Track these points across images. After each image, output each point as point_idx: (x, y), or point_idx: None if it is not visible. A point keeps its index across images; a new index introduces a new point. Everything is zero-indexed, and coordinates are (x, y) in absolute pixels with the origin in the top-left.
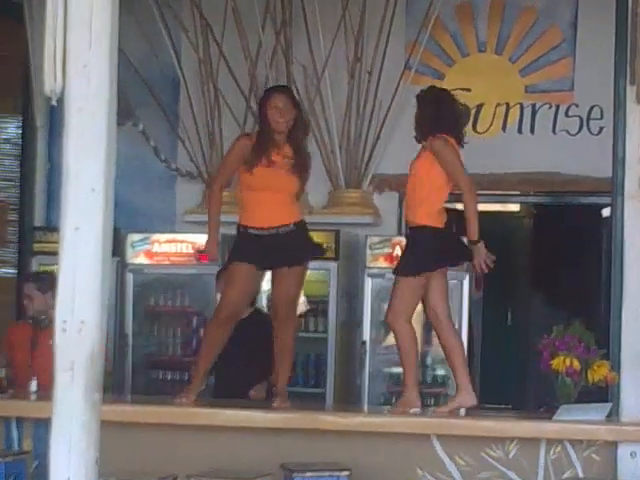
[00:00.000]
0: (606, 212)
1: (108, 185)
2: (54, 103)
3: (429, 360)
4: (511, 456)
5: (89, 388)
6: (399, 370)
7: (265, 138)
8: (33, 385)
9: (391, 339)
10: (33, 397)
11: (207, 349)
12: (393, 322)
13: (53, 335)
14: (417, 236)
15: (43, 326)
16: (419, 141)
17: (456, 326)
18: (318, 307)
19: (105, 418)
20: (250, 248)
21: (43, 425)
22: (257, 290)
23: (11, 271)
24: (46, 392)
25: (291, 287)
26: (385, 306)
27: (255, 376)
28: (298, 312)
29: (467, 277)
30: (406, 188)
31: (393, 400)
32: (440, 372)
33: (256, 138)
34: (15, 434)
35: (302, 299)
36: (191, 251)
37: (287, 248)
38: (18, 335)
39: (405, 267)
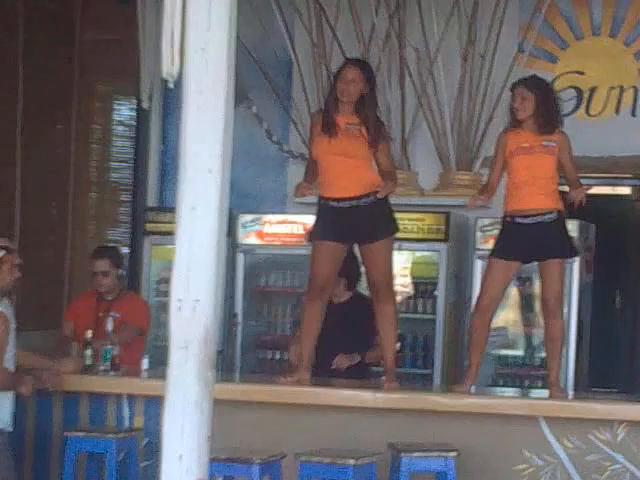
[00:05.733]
0: None
1: (225, 167)
2: (171, 86)
3: (536, 341)
4: (619, 439)
5: (202, 366)
6: (508, 352)
7: (329, 105)
8: (145, 363)
9: (499, 321)
10: (144, 375)
11: (303, 327)
12: (557, 309)
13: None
14: (564, 220)
15: (107, 300)
16: (545, 130)
17: (566, 308)
18: (427, 288)
19: (216, 396)
20: (329, 223)
21: (154, 403)
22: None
23: (124, 250)
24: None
25: (379, 263)
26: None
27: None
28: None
29: (578, 260)
30: (530, 171)
31: (501, 382)
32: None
33: (324, 108)
34: (126, 411)
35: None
36: (302, 232)
37: (365, 223)
38: (83, 306)
39: (573, 249)
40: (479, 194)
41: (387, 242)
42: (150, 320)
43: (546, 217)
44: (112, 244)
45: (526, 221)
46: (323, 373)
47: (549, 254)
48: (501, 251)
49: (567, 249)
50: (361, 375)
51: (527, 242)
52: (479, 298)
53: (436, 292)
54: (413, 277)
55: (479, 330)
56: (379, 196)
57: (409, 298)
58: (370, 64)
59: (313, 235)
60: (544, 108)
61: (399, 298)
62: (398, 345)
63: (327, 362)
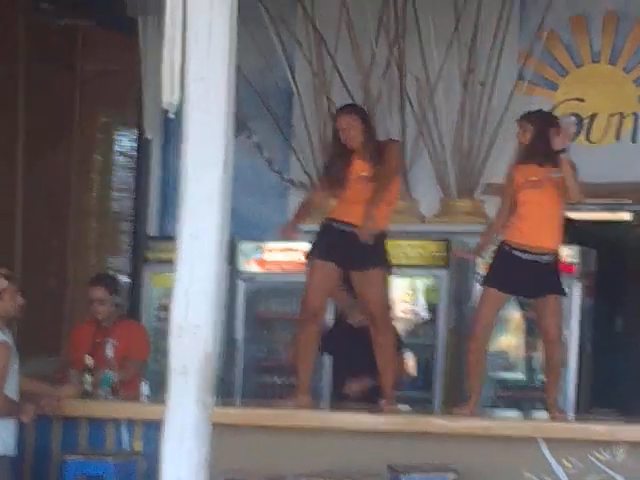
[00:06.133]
0: None
1: (225, 195)
2: (172, 116)
3: (536, 364)
4: (619, 460)
5: (202, 391)
6: (508, 375)
7: (338, 160)
8: (145, 388)
9: (500, 345)
10: (144, 399)
11: (298, 354)
12: (557, 336)
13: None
14: (558, 261)
15: (105, 327)
16: (546, 161)
17: (566, 332)
18: (428, 314)
19: (215, 420)
20: (330, 244)
21: (153, 427)
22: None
23: (125, 279)
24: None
25: (372, 291)
26: None
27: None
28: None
29: (578, 285)
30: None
31: (501, 405)
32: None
33: (330, 161)
34: (126, 436)
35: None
36: (302, 259)
37: (361, 250)
38: (82, 333)
39: (562, 287)
40: (481, 237)
41: (381, 272)
42: (150, 347)
43: (544, 258)
44: (111, 272)
45: (524, 257)
46: (343, 397)
47: (546, 291)
48: (496, 281)
49: (561, 289)
50: (378, 399)
51: (523, 277)
52: (473, 326)
53: (432, 316)
54: (414, 303)
55: (474, 356)
56: (361, 240)
57: (410, 324)
58: (359, 105)
59: (312, 253)
60: (542, 139)
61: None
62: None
63: (343, 384)
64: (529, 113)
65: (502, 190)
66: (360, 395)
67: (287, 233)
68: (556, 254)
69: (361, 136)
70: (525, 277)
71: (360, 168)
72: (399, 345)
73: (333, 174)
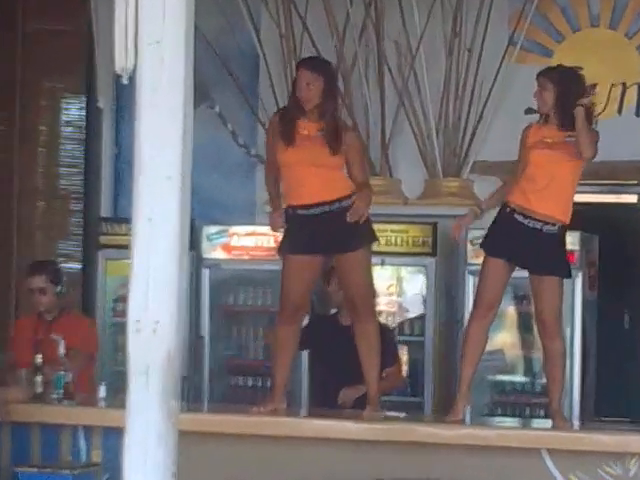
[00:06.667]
0: None
1: (185, 172)
2: (125, 82)
3: (536, 365)
4: (632, 474)
5: (165, 394)
6: (505, 378)
7: (291, 112)
8: (102, 390)
9: (495, 344)
10: (102, 404)
11: (276, 354)
12: (556, 334)
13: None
14: (563, 236)
15: (49, 321)
16: (568, 127)
17: (568, 330)
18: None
19: (181, 428)
20: (299, 234)
21: (114, 435)
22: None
23: (76, 266)
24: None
25: (356, 275)
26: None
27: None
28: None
29: (580, 275)
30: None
31: (498, 411)
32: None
33: (283, 113)
34: (83, 444)
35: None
36: (273, 244)
37: (338, 230)
38: (24, 327)
39: (567, 268)
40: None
41: (364, 252)
42: (98, 341)
43: (548, 228)
44: (52, 258)
45: (526, 222)
46: (334, 405)
47: (543, 270)
48: (497, 249)
49: (564, 269)
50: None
51: (523, 246)
52: (477, 301)
53: (419, 311)
54: (398, 295)
55: (476, 337)
56: (349, 220)
57: (394, 319)
58: (326, 61)
59: (282, 248)
60: (566, 101)
61: (384, 319)
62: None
63: (337, 393)
64: (550, 69)
65: (518, 153)
66: (356, 404)
67: (277, 225)
68: (563, 228)
69: (318, 98)
70: (525, 246)
71: (303, 126)
72: (394, 344)
73: (285, 126)
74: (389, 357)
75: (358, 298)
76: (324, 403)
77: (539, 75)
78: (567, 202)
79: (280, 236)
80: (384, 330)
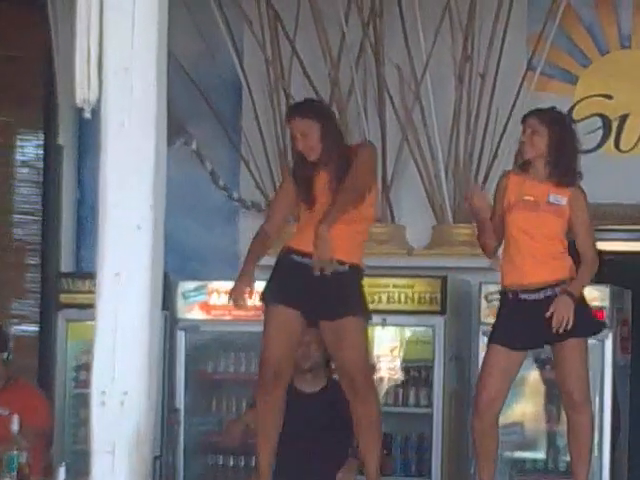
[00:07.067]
0: None
1: (157, 220)
2: (87, 115)
3: (560, 440)
4: None
5: (134, 477)
6: (525, 455)
7: (301, 170)
8: (61, 473)
9: (513, 415)
10: None
11: (260, 428)
12: (582, 405)
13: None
14: (580, 293)
15: None
16: (557, 180)
17: (597, 399)
18: (420, 374)
19: None
20: (289, 283)
21: None
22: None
23: (31, 328)
24: None
25: (349, 346)
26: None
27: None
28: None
29: (610, 336)
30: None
31: None
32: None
33: (294, 174)
34: None
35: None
36: (258, 303)
37: (332, 293)
38: None
39: (595, 324)
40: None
41: (358, 321)
42: (53, 417)
43: (557, 290)
44: (10, 320)
45: (532, 297)
46: None
47: (564, 335)
48: (502, 336)
49: (587, 325)
50: None
51: (535, 323)
52: (476, 396)
53: (426, 377)
54: (402, 360)
55: (481, 435)
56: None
57: (397, 387)
58: (316, 101)
59: (266, 296)
60: (560, 150)
61: (385, 388)
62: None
63: (299, 475)
64: (542, 111)
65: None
66: None
67: (238, 300)
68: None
69: (320, 144)
70: (537, 322)
71: (324, 181)
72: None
73: (297, 189)
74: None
75: (353, 375)
76: None
77: (529, 117)
78: (563, 258)
79: (262, 285)
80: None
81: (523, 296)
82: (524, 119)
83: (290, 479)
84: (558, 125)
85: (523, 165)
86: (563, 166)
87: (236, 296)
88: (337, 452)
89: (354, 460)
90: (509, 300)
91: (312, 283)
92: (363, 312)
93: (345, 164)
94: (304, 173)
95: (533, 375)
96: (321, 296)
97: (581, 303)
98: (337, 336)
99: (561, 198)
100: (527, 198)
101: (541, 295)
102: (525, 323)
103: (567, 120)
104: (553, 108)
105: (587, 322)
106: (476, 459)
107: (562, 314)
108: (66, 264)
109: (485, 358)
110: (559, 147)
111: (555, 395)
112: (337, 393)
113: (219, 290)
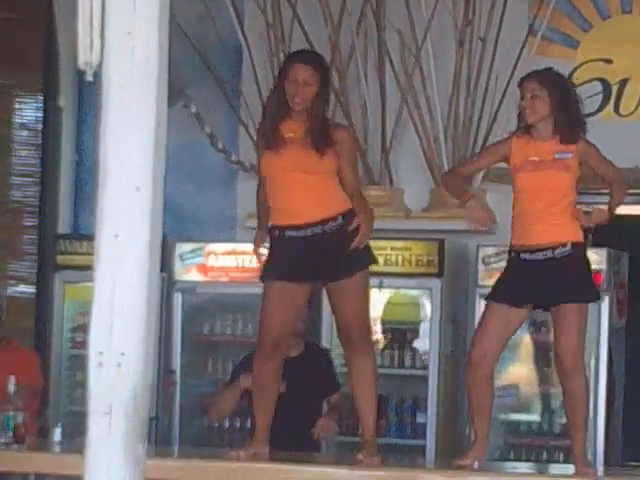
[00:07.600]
0: None
1: (156, 182)
2: (89, 78)
3: (555, 403)
4: None
5: (130, 438)
6: (520, 417)
7: (275, 111)
8: (57, 433)
9: (508, 378)
10: (57, 448)
11: (258, 392)
12: (577, 367)
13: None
14: (583, 254)
15: None
16: (563, 139)
17: (592, 362)
18: (416, 337)
19: (148, 476)
20: (285, 258)
21: None
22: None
23: (29, 290)
24: None
25: (352, 305)
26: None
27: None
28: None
29: (606, 299)
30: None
31: (512, 455)
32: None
33: (266, 109)
34: None
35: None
36: (255, 265)
37: (331, 254)
38: None
39: (592, 292)
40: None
41: (361, 277)
42: (42, 376)
43: (556, 252)
44: (8, 281)
45: (533, 257)
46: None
47: (561, 299)
48: (501, 294)
49: (584, 292)
50: (314, 448)
51: (535, 284)
52: (470, 349)
53: (426, 341)
54: (398, 322)
55: (474, 389)
56: (352, 247)
57: (392, 349)
58: (321, 55)
59: (265, 274)
60: (563, 111)
61: (379, 349)
62: None
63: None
64: (539, 73)
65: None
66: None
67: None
68: (576, 245)
69: (312, 100)
70: (537, 283)
71: (288, 128)
72: (334, 368)
73: (267, 129)
74: (331, 383)
75: (354, 331)
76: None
77: (527, 79)
78: (569, 221)
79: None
80: (322, 353)
81: (524, 256)
82: (521, 82)
83: (273, 439)
84: (558, 86)
85: (526, 127)
86: (568, 124)
87: (256, 247)
88: (315, 413)
89: (334, 410)
90: (512, 259)
91: (311, 252)
92: (366, 265)
93: (326, 137)
94: (280, 111)
95: (528, 338)
96: (325, 261)
97: (585, 268)
98: (341, 295)
99: (567, 153)
100: (532, 159)
101: (540, 256)
102: (526, 282)
103: (565, 79)
104: (550, 69)
105: (587, 288)
106: (470, 414)
107: (595, 220)
108: (64, 226)
109: (483, 314)
110: (562, 108)
111: (549, 357)
112: (314, 358)
113: (216, 252)
